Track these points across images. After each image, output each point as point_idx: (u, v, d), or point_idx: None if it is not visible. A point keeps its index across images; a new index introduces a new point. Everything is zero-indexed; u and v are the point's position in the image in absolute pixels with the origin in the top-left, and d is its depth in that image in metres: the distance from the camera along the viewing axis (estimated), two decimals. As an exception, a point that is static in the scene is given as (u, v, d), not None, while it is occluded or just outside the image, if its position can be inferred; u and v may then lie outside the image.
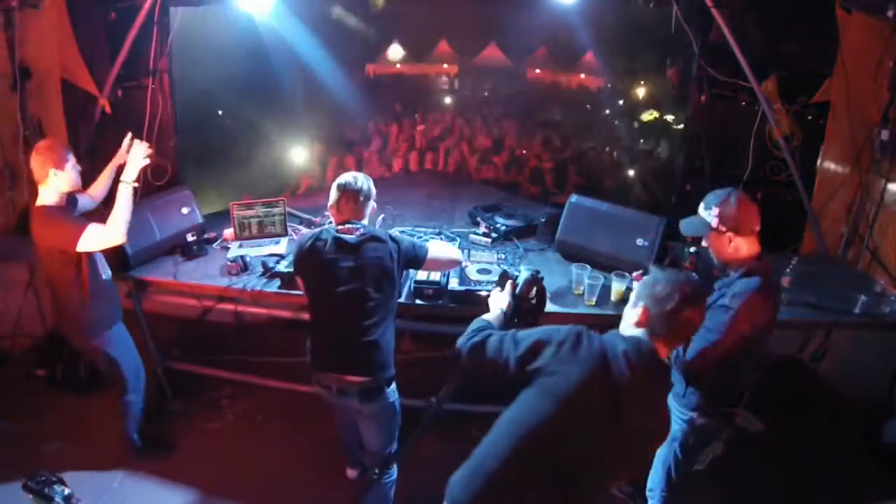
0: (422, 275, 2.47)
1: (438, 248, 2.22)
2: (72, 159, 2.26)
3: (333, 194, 2.07)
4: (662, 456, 2.25)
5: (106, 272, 2.41)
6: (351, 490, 2.61)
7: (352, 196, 2.03)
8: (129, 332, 2.54)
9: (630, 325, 1.50)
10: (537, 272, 1.86)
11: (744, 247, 1.90)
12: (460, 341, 1.62)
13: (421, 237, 3.07)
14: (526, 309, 1.84)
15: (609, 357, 1.39)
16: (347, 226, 2.01)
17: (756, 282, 1.85)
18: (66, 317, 2.38)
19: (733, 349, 1.85)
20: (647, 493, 2.37)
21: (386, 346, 2.05)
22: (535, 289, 1.84)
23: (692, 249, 2.76)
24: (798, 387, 3.34)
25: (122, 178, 2.29)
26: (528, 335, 1.50)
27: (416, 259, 2.11)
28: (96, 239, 2.18)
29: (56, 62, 3.23)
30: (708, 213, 1.93)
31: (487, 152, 7.37)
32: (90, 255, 2.28)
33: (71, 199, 2.33)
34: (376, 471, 2.18)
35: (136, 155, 2.35)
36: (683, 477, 2.26)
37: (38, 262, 2.76)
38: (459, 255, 2.34)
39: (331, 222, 2.35)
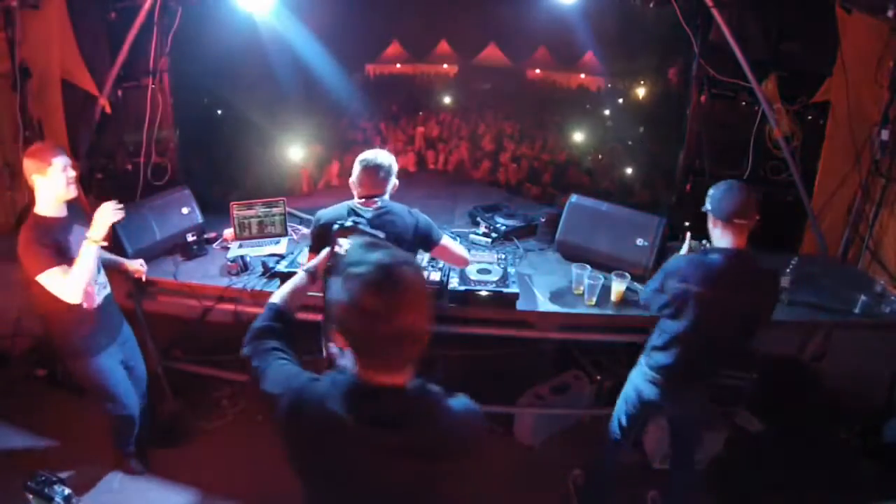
0: (422, 275, 2.47)
1: (452, 241, 2.25)
2: (59, 163, 2.07)
3: (356, 170, 2.08)
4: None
5: (94, 299, 2.23)
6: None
7: (372, 171, 2.05)
8: (120, 367, 2.39)
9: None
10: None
11: (720, 233, 1.94)
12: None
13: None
14: None
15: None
16: (366, 200, 2.04)
17: (704, 256, 1.93)
18: (47, 333, 2.29)
19: (674, 308, 1.97)
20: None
21: None
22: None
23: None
24: (798, 387, 3.33)
25: (87, 234, 2.10)
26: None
27: (429, 240, 2.12)
28: (52, 286, 2.03)
29: (56, 62, 3.22)
30: (708, 194, 2.01)
31: (487, 152, 7.38)
32: None
33: (72, 211, 2.19)
34: None
35: (102, 213, 2.12)
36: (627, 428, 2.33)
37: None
38: (469, 256, 2.34)
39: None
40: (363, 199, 2.05)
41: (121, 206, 2.17)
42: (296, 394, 1.10)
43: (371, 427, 1.02)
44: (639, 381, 2.19)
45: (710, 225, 1.99)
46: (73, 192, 2.13)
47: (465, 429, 1.14)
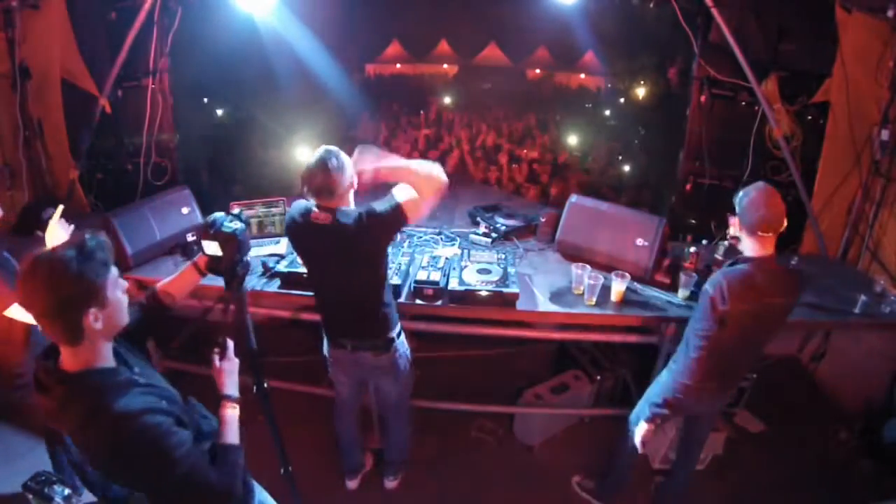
0: (422, 275, 2.47)
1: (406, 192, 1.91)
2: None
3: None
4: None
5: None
6: (349, 491, 2.61)
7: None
8: None
9: None
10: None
11: (745, 241, 1.92)
12: None
13: (421, 237, 3.08)
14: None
15: None
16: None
17: (734, 269, 1.90)
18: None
19: (724, 333, 1.89)
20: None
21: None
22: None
23: (692, 249, 2.76)
24: (798, 387, 3.34)
25: None
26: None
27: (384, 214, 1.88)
28: (14, 316, 1.98)
29: (56, 62, 3.23)
30: (737, 195, 1.96)
31: (488, 152, 7.39)
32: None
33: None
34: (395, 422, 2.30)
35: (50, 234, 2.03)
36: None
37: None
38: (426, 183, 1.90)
39: None
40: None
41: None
42: None
43: None
44: (671, 383, 2.12)
45: (738, 230, 1.96)
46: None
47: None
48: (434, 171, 1.91)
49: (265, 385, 1.83)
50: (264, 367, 1.82)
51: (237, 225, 1.60)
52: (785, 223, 1.87)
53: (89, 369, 1.19)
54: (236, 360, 1.56)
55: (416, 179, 1.89)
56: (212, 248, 1.56)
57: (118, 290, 1.22)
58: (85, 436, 1.18)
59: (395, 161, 1.95)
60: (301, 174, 1.90)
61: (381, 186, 1.97)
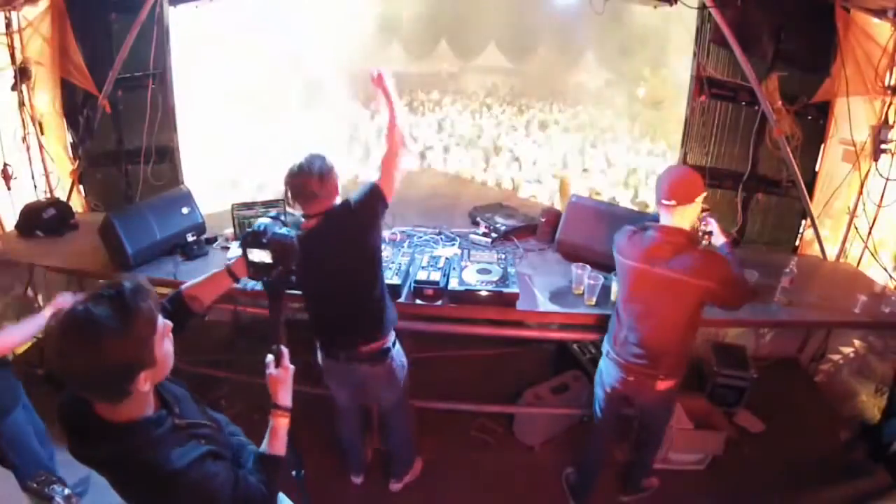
0: (422, 275, 2.47)
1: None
2: None
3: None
4: None
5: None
6: (353, 490, 2.61)
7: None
8: (29, 428, 2.18)
9: None
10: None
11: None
12: None
13: (421, 237, 3.08)
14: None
15: None
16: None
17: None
18: None
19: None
20: None
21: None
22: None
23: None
24: (798, 387, 3.34)
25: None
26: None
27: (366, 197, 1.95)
28: None
29: (56, 62, 3.23)
30: None
31: (489, 152, 7.39)
32: None
33: None
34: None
35: None
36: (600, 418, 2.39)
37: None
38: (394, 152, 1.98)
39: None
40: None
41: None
42: None
43: None
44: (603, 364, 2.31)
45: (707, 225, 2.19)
46: None
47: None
48: (405, 139, 2.01)
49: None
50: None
51: (289, 231, 1.49)
52: (693, 197, 1.97)
53: (133, 422, 1.10)
54: (292, 368, 1.48)
55: (392, 128, 1.99)
56: (260, 255, 1.47)
57: (166, 340, 1.13)
58: (128, 488, 1.14)
59: (396, 100, 2.04)
60: (284, 179, 1.92)
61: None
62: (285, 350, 1.48)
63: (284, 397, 1.44)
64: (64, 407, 1.13)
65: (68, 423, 1.13)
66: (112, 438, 1.09)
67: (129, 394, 1.07)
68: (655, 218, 2.09)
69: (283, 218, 1.56)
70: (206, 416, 1.35)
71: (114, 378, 1.03)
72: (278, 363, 1.46)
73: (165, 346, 1.12)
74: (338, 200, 1.97)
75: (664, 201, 1.97)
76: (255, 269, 1.49)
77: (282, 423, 1.42)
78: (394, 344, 2.18)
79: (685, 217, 1.98)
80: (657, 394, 2.15)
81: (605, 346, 2.25)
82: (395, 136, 1.98)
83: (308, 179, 1.87)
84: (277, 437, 1.41)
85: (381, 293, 2.10)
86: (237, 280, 1.55)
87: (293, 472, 1.77)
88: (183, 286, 1.52)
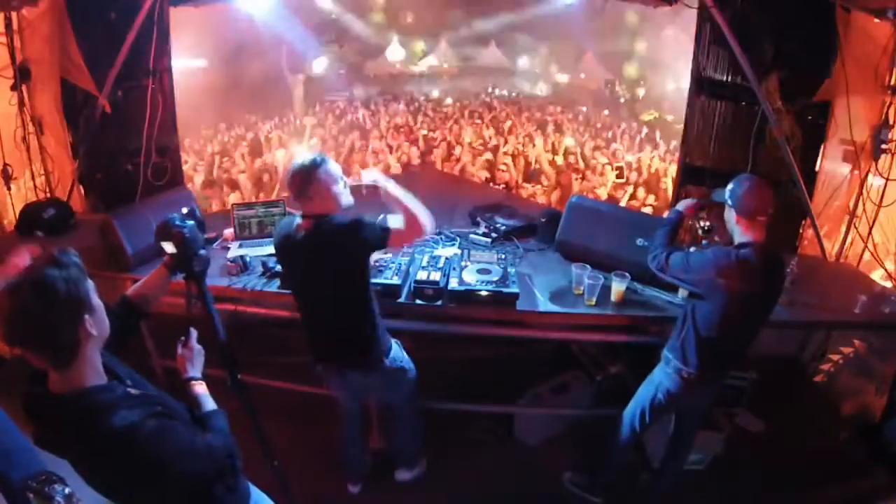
0: (422, 275, 2.47)
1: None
2: None
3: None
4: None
5: None
6: (350, 500, 2.61)
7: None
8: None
9: None
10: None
11: (743, 229, 2.00)
12: None
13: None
14: None
15: None
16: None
17: (736, 251, 1.97)
18: None
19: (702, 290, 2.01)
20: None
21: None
22: None
23: (691, 249, 2.75)
24: (798, 387, 3.33)
25: None
26: None
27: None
28: None
29: (56, 62, 3.23)
30: (728, 189, 2.04)
31: (488, 152, 7.39)
32: None
33: None
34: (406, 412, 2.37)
35: None
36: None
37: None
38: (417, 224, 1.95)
39: None
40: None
41: None
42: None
43: None
44: (663, 376, 2.19)
45: (732, 220, 2.03)
46: None
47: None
48: (426, 219, 1.94)
49: (239, 377, 1.85)
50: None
51: (184, 223, 1.70)
52: (772, 209, 1.98)
53: (83, 388, 1.16)
54: (199, 348, 1.62)
55: (409, 217, 1.92)
56: (169, 247, 1.68)
57: (95, 293, 1.21)
58: (91, 458, 1.17)
59: (400, 189, 1.98)
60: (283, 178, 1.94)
61: (371, 199, 2.01)
62: (194, 332, 1.64)
63: (192, 371, 1.58)
64: (25, 395, 1.22)
65: (30, 410, 1.22)
66: (67, 409, 1.15)
67: (77, 347, 1.13)
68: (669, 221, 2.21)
69: (197, 214, 1.79)
70: (157, 390, 1.40)
71: (61, 326, 1.10)
72: (186, 344, 1.61)
73: (97, 299, 1.20)
74: (340, 203, 1.96)
75: (760, 218, 1.96)
76: (171, 259, 1.69)
77: (200, 390, 1.54)
78: (388, 351, 2.15)
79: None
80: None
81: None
82: (416, 229, 1.93)
83: (302, 173, 1.89)
84: (202, 400, 1.52)
85: (369, 311, 2.04)
86: (173, 272, 1.72)
87: (273, 463, 1.81)
88: (129, 290, 1.66)
